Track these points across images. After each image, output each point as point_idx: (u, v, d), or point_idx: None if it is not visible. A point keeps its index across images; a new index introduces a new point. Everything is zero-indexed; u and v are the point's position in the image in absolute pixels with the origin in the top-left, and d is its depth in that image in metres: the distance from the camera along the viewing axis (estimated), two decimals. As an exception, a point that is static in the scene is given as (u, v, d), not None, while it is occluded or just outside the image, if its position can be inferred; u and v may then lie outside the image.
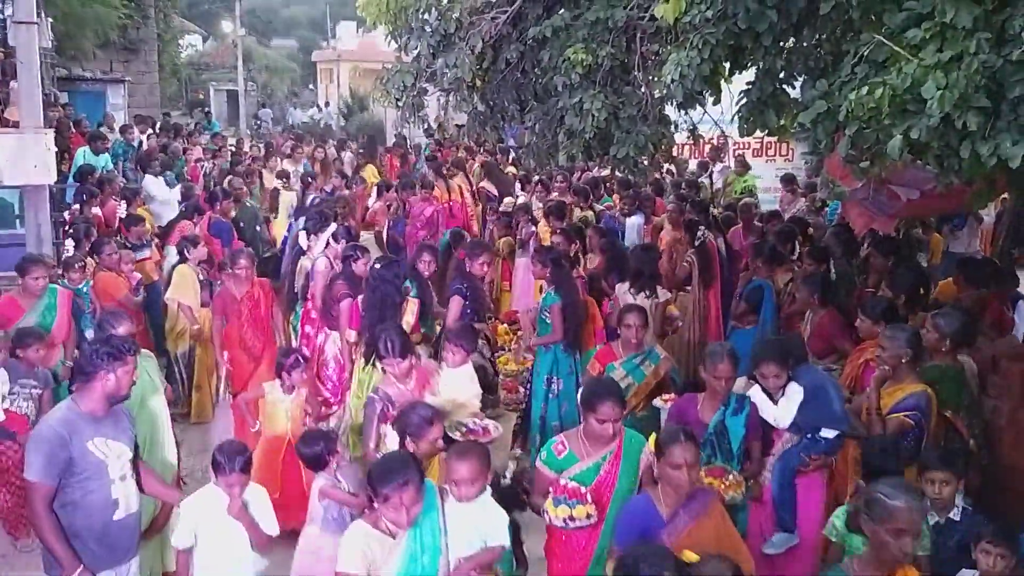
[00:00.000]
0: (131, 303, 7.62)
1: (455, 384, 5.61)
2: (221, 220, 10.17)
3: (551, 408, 6.77)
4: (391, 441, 4.76)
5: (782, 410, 4.74)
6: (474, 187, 13.39)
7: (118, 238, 9.15)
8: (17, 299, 6.82)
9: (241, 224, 10.72)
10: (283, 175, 13.31)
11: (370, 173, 15.20)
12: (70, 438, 4.01)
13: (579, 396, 4.93)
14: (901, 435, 4.71)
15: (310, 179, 12.99)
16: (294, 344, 7.73)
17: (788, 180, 12.57)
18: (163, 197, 11.68)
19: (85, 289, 7.57)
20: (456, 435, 4.98)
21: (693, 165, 14.85)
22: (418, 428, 4.37)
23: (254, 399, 6.11)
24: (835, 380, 5.23)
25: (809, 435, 4.75)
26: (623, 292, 7.15)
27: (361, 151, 18.40)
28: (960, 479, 4.31)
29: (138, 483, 4.35)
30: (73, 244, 8.47)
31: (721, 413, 4.75)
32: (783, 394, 4.76)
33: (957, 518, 4.27)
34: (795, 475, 4.77)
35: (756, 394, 4.80)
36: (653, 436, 4.14)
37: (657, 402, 5.79)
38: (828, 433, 4.72)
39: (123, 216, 9.93)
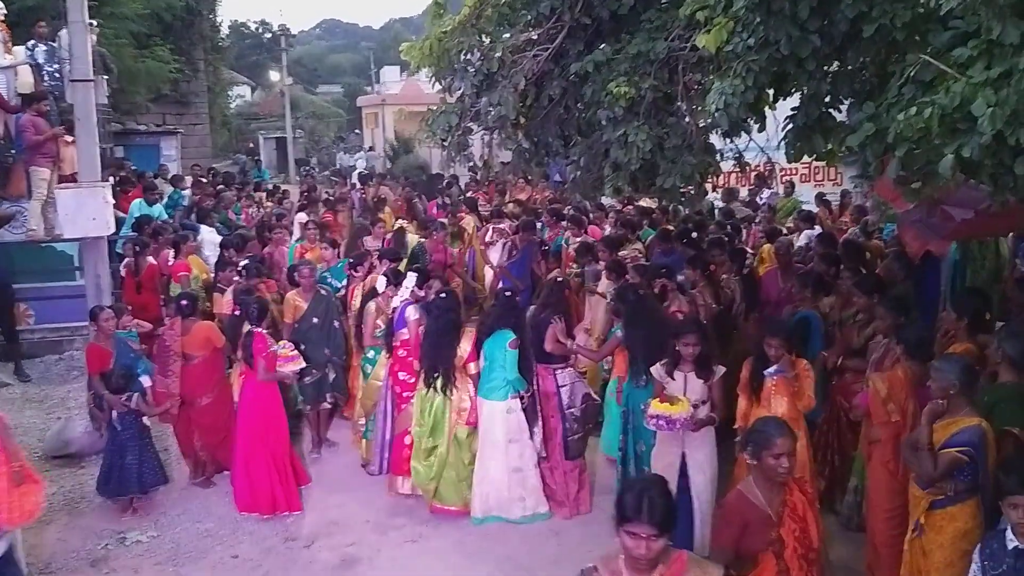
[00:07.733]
0: (228, 352, 7.57)
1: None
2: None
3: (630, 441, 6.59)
4: None
5: None
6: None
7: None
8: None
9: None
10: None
11: (387, 215, 14.85)
12: None
13: None
14: (956, 471, 4.50)
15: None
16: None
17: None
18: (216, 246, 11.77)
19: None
20: None
21: (744, 193, 14.82)
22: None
23: None
24: None
25: None
26: None
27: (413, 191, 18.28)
28: None
29: None
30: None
31: None
32: None
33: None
34: None
35: None
36: None
37: None
38: None
39: (172, 264, 10.13)
